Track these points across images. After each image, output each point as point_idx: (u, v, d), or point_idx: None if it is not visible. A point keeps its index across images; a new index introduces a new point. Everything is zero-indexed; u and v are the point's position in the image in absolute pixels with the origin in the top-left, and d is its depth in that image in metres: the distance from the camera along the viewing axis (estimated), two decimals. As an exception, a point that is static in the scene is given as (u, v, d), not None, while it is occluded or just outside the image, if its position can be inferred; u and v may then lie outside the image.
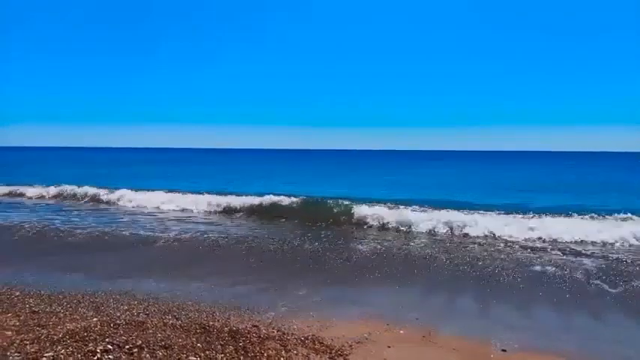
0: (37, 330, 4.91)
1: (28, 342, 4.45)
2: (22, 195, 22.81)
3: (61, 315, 5.82)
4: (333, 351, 5.19)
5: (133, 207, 19.12)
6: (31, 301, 6.57)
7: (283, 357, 4.85)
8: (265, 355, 4.82)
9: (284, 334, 5.64)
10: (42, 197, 22.14)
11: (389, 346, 5.50)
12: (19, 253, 10.64)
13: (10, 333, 4.75)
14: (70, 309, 6.25)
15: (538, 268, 9.34)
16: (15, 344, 4.36)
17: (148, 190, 20.94)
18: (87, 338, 4.65)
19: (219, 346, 4.91)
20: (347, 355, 5.15)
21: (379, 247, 11.42)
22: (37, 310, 6.07)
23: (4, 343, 4.37)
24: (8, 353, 4.10)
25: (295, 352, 5.03)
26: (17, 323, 5.22)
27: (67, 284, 7.79)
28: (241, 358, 4.68)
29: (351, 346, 5.41)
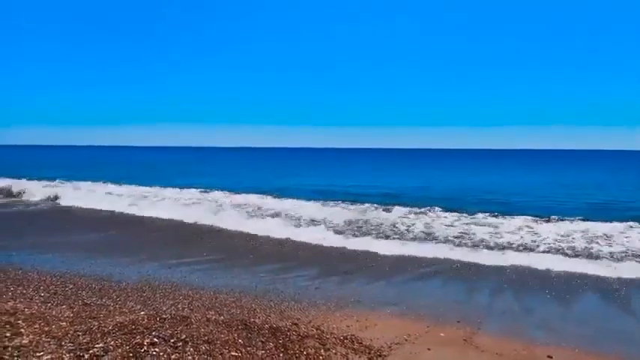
0: (89, 322, 5.15)
1: (80, 333, 4.67)
2: None
3: (111, 308, 6.08)
4: (372, 351, 5.17)
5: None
6: (83, 293, 6.91)
7: (322, 356, 4.87)
8: (305, 353, 4.86)
9: (323, 332, 5.67)
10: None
11: (429, 349, 5.43)
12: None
13: (64, 324, 5.01)
14: (120, 302, 6.53)
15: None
16: (69, 335, 4.59)
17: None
18: (135, 331, 4.83)
19: (259, 343, 4.99)
20: (386, 356, 5.12)
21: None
22: (88, 302, 6.37)
23: (59, 334, 4.61)
24: (63, 343, 4.33)
25: (334, 351, 5.05)
26: (71, 315, 5.50)
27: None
28: (281, 355, 4.74)
29: (390, 347, 5.38)
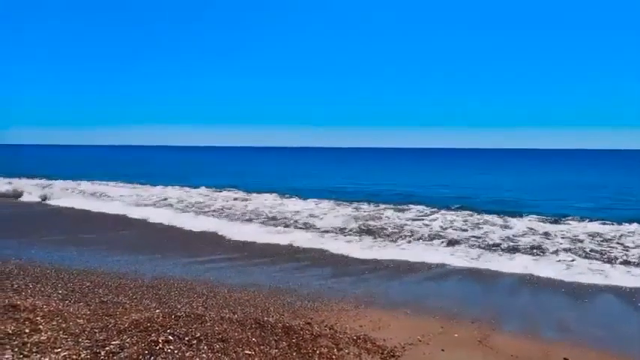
0: (106, 319, 5.22)
1: (97, 330, 4.74)
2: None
3: (127, 306, 6.15)
4: (385, 352, 5.16)
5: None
6: (100, 291, 7.00)
7: (335, 355, 4.88)
8: (318, 352, 4.87)
9: (336, 332, 5.67)
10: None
11: (442, 350, 5.40)
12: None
13: (81, 321, 5.08)
14: (135, 300, 6.60)
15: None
16: (86, 332, 4.66)
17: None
18: (150, 328, 4.89)
19: (273, 342, 5.01)
20: (399, 356, 5.10)
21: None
22: (105, 300, 6.46)
23: (77, 331, 4.68)
24: (80, 340, 4.39)
25: (347, 350, 5.05)
26: (88, 312, 5.58)
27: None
28: (294, 354, 4.75)
29: (403, 347, 5.36)
